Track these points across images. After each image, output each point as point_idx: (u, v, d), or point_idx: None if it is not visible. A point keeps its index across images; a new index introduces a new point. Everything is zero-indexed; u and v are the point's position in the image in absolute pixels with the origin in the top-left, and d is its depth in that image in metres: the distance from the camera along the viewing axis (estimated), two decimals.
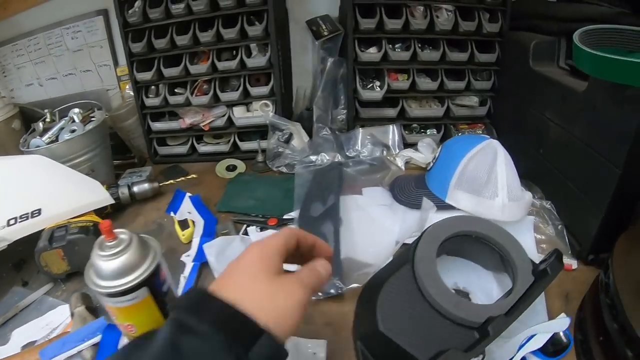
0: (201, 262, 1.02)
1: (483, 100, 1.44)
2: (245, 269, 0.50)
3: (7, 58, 1.87)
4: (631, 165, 0.80)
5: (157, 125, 1.49)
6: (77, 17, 1.67)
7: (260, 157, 1.39)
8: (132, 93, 1.50)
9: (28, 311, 1.00)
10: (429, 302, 0.69)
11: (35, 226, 1.00)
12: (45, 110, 1.42)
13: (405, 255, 0.78)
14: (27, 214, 1.01)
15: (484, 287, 0.89)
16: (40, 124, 1.36)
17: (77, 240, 1.01)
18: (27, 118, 1.82)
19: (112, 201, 1.17)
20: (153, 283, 0.67)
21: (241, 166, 1.42)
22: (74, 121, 1.35)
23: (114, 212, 1.26)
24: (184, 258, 1.05)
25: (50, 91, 1.84)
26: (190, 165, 1.49)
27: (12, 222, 0.96)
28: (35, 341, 0.89)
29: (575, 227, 0.99)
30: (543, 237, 1.02)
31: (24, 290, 1.04)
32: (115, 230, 0.65)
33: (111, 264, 0.63)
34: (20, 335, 0.92)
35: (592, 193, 0.92)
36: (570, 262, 0.95)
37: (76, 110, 1.37)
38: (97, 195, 1.16)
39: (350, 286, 0.90)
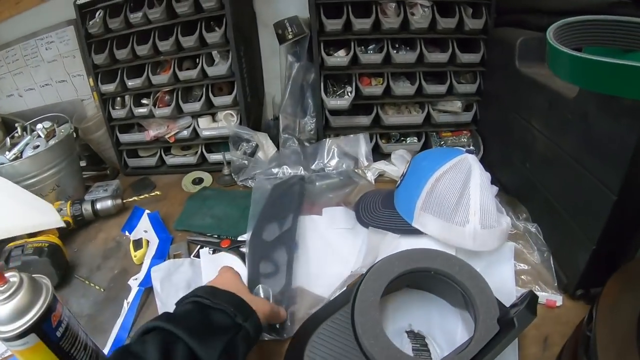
0: (147, 287, 0.97)
1: (468, 105, 1.34)
2: (231, 281, 0.77)
3: None
4: (628, 190, 0.67)
5: (125, 137, 1.45)
6: (50, 27, 1.64)
7: (226, 170, 1.34)
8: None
9: None
10: (365, 355, 0.61)
11: None
12: (17, 124, 1.39)
13: (348, 293, 0.70)
14: None
15: (447, 328, 0.78)
16: (8, 140, 1.33)
17: (31, 262, 1.00)
18: (10, 128, 1.81)
19: (62, 224, 1.12)
20: (43, 328, 0.63)
21: (208, 179, 1.36)
22: (39, 136, 1.31)
23: (77, 229, 1.23)
24: (131, 281, 1.01)
25: (30, 102, 1.81)
26: (159, 178, 1.45)
27: None
28: None
29: (563, 256, 0.88)
30: (526, 267, 0.91)
31: None
32: (7, 274, 0.62)
33: (1, 309, 0.60)
34: None
35: (582, 219, 0.80)
36: (554, 297, 0.84)
37: (40, 125, 1.33)
38: (47, 217, 1.11)
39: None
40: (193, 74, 1.29)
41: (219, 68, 1.28)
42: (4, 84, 1.84)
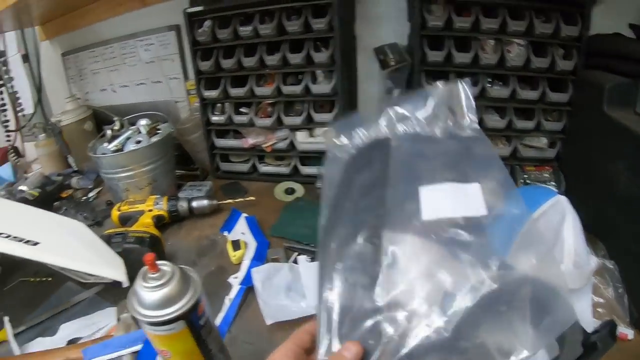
0: (247, 286, 1.04)
1: (552, 142, 1.39)
2: None
3: (84, 63, 1.97)
4: None
5: (220, 142, 1.54)
6: (151, 30, 1.75)
7: (319, 184, 1.40)
8: (196, 107, 1.57)
9: (78, 308, 1.08)
10: None
11: (15, 248, 0.96)
12: (115, 118, 1.49)
13: None
14: (23, 238, 0.99)
15: None
16: (109, 131, 1.43)
17: (132, 249, 1.09)
18: (99, 120, 1.92)
19: (126, 283, 1.05)
20: (190, 317, 0.69)
21: (300, 190, 1.43)
22: (140, 132, 1.41)
23: (171, 224, 1.33)
24: (231, 279, 1.08)
25: (122, 98, 1.93)
26: (250, 184, 1.54)
27: (2, 235, 0.98)
28: (80, 338, 0.96)
29: (636, 293, 0.93)
30: (601, 300, 0.96)
31: (77, 287, 1.13)
32: (159, 263, 0.67)
33: (152, 295, 0.65)
34: (67, 329, 1.01)
35: None
36: (626, 331, 0.88)
37: (143, 121, 1.43)
38: (113, 270, 1.06)
39: None
40: (297, 89, 1.37)
41: (323, 87, 1.36)
42: (98, 78, 1.96)
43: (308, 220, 1.27)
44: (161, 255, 1.15)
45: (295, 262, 1.12)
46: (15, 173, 1.99)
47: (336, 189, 0.63)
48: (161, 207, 1.32)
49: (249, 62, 1.39)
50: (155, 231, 1.17)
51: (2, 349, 1.00)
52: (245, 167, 1.55)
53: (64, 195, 1.71)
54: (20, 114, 2.17)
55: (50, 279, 1.20)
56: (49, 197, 1.65)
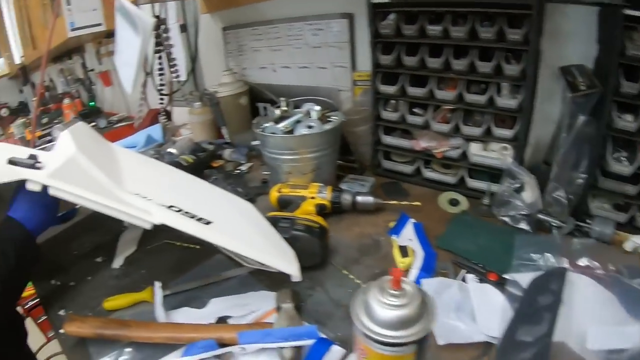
0: None
1: None
2: None
3: (245, 40, 2.01)
4: None
5: (387, 139, 1.51)
6: (321, 15, 1.74)
7: (486, 200, 1.35)
8: (364, 100, 1.56)
9: (229, 284, 1.08)
10: None
11: (188, 226, 0.93)
12: (282, 99, 1.49)
13: None
14: (195, 215, 0.96)
15: None
16: (277, 111, 1.44)
17: (300, 237, 1.07)
18: (253, 96, 1.94)
19: (299, 278, 0.96)
20: (423, 343, 0.65)
21: (464, 203, 1.38)
22: (310, 117, 1.41)
23: (331, 214, 1.31)
24: None
25: (282, 78, 1.94)
26: (411, 187, 1.50)
27: (174, 209, 0.97)
28: (230, 317, 0.95)
29: None
30: None
31: (228, 262, 1.11)
32: (403, 283, 0.64)
33: (388, 313, 0.62)
34: (217, 305, 1.00)
35: None
36: None
37: (317, 107, 1.42)
38: (284, 262, 0.98)
39: None
40: (481, 99, 1.31)
41: (508, 100, 1.29)
42: (259, 56, 1.98)
43: (476, 237, 1.22)
44: (325, 248, 1.14)
45: (463, 280, 1.07)
46: (164, 135, 2.07)
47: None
48: (324, 196, 1.31)
49: (434, 63, 1.35)
50: (322, 221, 1.15)
51: (143, 309, 1.02)
52: (408, 169, 1.51)
53: (214, 164, 1.75)
54: (175, 79, 2.24)
55: (198, 247, 1.22)
56: (201, 165, 1.71)
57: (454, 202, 1.38)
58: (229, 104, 1.91)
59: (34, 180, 0.93)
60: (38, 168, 0.99)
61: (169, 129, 2.19)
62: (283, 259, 0.97)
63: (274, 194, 1.35)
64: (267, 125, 1.44)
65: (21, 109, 6.86)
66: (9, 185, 0.95)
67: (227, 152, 1.82)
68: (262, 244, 1.01)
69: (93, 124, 3.25)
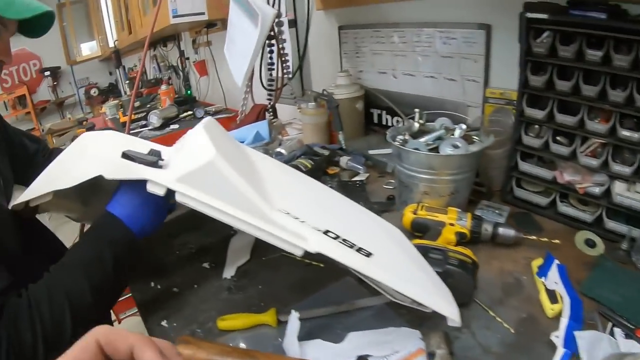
0: (573, 352, 0.90)
1: None
2: None
3: (365, 41, 1.95)
4: None
5: (525, 167, 1.41)
6: (455, 24, 1.65)
7: (624, 245, 1.23)
8: (496, 119, 1.48)
9: (364, 314, 0.99)
10: None
11: (349, 259, 0.81)
12: (416, 110, 1.43)
13: None
14: (354, 244, 0.84)
15: None
16: (416, 124, 1.37)
17: (454, 273, 0.99)
18: (368, 102, 1.88)
19: (457, 322, 0.85)
20: None
21: (600, 245, 1.26)
22: (452, 134, 1.34)
23: (467, 244, 1.21)
24: (553, 338, 0.94)
25: (403, 86, 1.87)
26: (542, 220, 1.39)
27: (330, 234, 0.84)
28: (371, 356, 0.85)
29: None
30: None
31: (359, 286, 1.05)
32: None
33: None
34: (355, 341, 0.90)
35: None
36: None
37: (463, 126, 1.35)
38: (444, 302, 0.86)
39: None
40: (635, 136, 1.19)
41: None
42: (379, 59, 1.92)
43: (619, 286, 1.10)
44: (475, 284, 1.05)
45: (611, 333, 0.96)
46: (270, 132, 2.02)
47: None
48: (464, 224, 1.22)
49: (589, 90, 1.24)
50: (472, 255, 1.07)
51: (263, 334, 0.96)
52: (543, 201, 1.40)
53: (330, 171, 1.68)
54: (285, 75, 2.20)
55: (322, 265, 1.15)
56: (317, 170, 1.64)
57: (590, 243, 1.26)
58: (344, 108, 1.85)
59: (159, 183, 0.83)
60: (160, 167, 0.92)
61: (275, 126, 2.14)
62: (442, 298, 0.86)
63: (409, 215, 1.27)
64: (403, 137, 1.36)
65: (110, 90, 7.21)
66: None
67: (343, 160, 1.73)
68: (421, 279, 0.89)
69: (189, 112, 3.29)
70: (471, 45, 1.62)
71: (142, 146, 1.04)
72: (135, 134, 2.96)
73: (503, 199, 1.47)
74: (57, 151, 1.39)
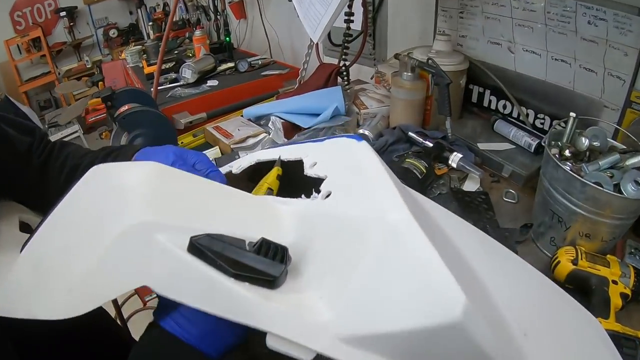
0: None
1: None
2: None
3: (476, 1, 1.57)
4: None
5: None
6: (609, 1, 1.27)
7: None
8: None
9: None
10: None
11: None
12: (572, 115, 1.09)
13: None
14: None
15: None
16: (585, 141, 1.05)
17: None
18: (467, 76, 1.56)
19: None
20: None
21: None
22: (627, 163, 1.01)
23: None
24: None
25: (521, 65, 1.53)
26: None
27: None
28: None
29: None
30: None
31: None
32: None
33: None
34: None
35: None
36: None
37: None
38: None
39: None
40: None
41: None
42: (493, 26, 1.58)
43: None
44: None
45: None
46: (344, 103, 1.67)
47: None
48: (627, 282, 0.92)
49: None
50: None
51: None
52: None
53: (438, 172, 1.35)
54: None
55: None
56: (430, 176, 1.31)
57: None
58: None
59: (296, 342, 0.48)
60: (278, 285, 0.53)
61: (348, 94, 1.78)
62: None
63: (567, 264, 0.96)
64: (562, 153, 1.05)
65: (131, 32, 6.97)
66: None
67: (453, 157, 1.34)
68: None
69: (230, 65, 2.84)
70: (625, 33, 1.26)
71: (220, 196, 0.69)
72: (165, 92, 2.50)
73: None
74: (60, 149, 1.03)
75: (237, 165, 0.89)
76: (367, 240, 0.48)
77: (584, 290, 0.93)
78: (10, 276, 0.58)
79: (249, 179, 0.90)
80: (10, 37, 6.29)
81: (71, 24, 6.78)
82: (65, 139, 1.22)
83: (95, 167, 0.66)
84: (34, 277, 0.57)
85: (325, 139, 0.73)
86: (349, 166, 0.64)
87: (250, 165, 0.87)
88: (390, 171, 0.60)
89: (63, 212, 0.62)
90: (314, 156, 0.70)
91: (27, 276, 0.57)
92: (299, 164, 0.72)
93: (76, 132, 5.36)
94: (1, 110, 5.49)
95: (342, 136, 0.69)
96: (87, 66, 6.75)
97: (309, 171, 0.67)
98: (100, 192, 0.62)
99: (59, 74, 6.63)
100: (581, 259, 0.95)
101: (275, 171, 0.78)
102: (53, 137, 1.01)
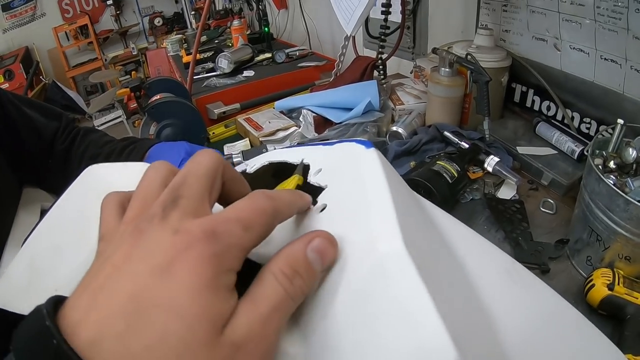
0: None
1: None
2: None
3: None
4: None
5: None
6: None
7: None
8: None
9: None
10: None
11: None
12: (619, 121, 0.98)
13: None
14: None
15: None
16: (632, 152, 0.94)
17: None
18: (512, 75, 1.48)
19: None
20: None
21: None
22: None
23: None
24: None
25: (568, 63, 1.43)
26: None
27: None
28: None
29: None
30: None
31: None
32: None
33: None
34: None
35: None
36: None
37: None
38: None
39: None
40: None
41: None
42: (538, 20, 1.48)
43: None
44: None
45: None
46: (379, 98, 1.61)
47: None
48: None
49: None
50: None
51: None
52: None
53: (472, 175, 1.27)
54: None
55: None
56: (462, 179, 1.19)
57: None
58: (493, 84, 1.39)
59: None
60: None
61: (384, 89, 1.71)
62: None
63: (602, 288, 0.85)
64: (606, 164, 0.96)
65: (176, 20, 7.15)
66: None
67: (489, 160, 1.25)
68: None
69: (267, 55, 2.81)
70: None
71: None
72: (201, 82, 2.47)
73: None
74: (83, 137, 1.02)
75: (252, 165, 0.85)
76: (352, 269, 0.41)
77: (619, 318, 0.83)
78: (9, 270, 0.58)
79: (273, 175, 0.86)
80: (59, 25, 6.53)
81: (117, 12, 7.03)
82: (109, 124, 1.22)
83: (89, 167, 0.65)
84: (27, 274, 0.57)
85: (335, 143, 0.67)
86: (351, 178, 0.57)
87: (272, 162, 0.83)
88: (399, 185, 0.53)
89: (58, 210, 0.62)
90: (320, 162, 0.65)
91: (21, 273, 0.57)
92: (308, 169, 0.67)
93: (119, 116, 5.44)
94: (49, 93, 5.72)
95: (352, 141, 0.63)
96: (133, 53, 6.95)
97: (312, 178, 0.61)
98: (91, 193, 0.60)
99: (106, 60, 6.89)
100: (618, 284, 0.85)
101: (296, 181, 0.72)
102: (97, 122, 1.00)
